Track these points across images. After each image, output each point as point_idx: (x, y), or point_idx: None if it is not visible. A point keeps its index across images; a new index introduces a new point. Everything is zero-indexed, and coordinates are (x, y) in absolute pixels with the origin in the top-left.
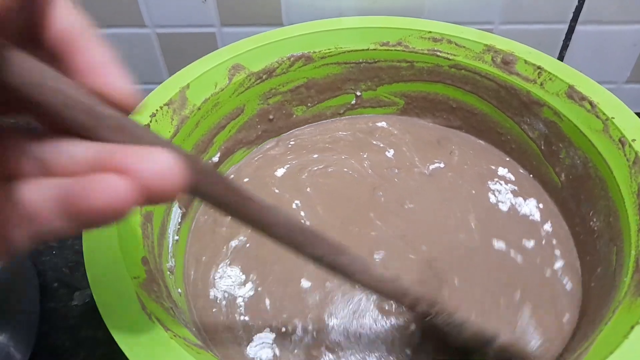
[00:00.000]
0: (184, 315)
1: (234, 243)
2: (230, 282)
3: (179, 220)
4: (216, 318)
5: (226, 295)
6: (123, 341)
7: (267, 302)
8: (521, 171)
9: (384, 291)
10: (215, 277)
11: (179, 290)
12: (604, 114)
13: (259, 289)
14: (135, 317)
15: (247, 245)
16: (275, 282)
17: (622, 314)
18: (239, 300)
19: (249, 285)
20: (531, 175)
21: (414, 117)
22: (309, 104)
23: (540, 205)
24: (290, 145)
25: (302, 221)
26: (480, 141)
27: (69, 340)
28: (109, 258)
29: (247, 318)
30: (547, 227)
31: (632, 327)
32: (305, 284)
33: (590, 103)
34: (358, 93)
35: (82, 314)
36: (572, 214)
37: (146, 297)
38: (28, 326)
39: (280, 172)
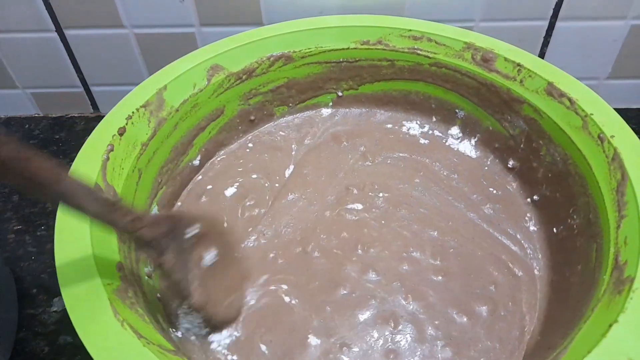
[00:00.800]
0: (162, 319)
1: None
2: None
3: None
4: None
5: (193, 338)
6: (94, 349)
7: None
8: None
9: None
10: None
11: (158, 295)
12: (583, 110)
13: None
14: (107, 324)
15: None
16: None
17: (601, 312)
18: (215, 346)
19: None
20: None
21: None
22: (290, 104)
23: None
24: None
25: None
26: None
27: (48, 346)
28: (82, 264)
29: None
30: (528, 224)
31: (610, 326)
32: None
33: (570, 100)
34: (339, 93)
35: (61, 320)
36: (552, 211)
37: (119, 304)
38: (6, 332)
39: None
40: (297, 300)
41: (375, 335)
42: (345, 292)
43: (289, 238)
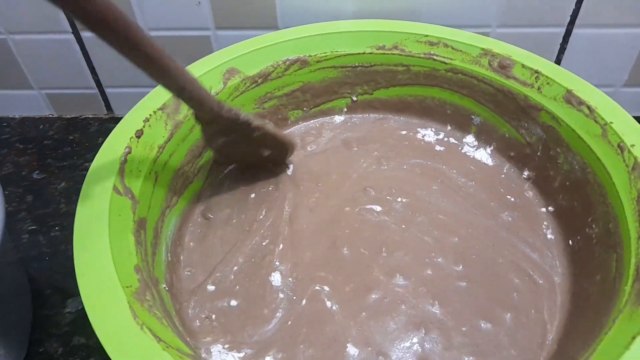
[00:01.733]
0: (179, 325)
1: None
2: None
3: (174, 229)
4: None
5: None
6: (114, 352)
7: None
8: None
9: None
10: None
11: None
12: (602, 118)
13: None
14: (126, 327)
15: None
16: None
17: (623, 324)
18: None
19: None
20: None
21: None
22: (304, 108)
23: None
24: None
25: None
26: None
27: (62, 347)
28: (101, 266)
29: None
30: (546, 231)
31: (634, 338)
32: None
33: (589, 107)
34: (354, 98)
35: (75, 321)
36: (570, 220)
37: (138, 307)
38: (20, 332)
39: None
40: (337, 306)
41: (408, 343)
42: (376, 296)
43: (314, 229)
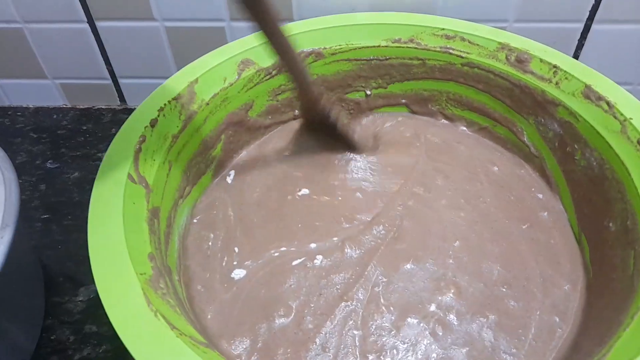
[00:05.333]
0: (190, 313)
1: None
2: None
3: (186, 220)
4: None
5: None
6: (128, 338)
7: None
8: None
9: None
10: None
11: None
12: (622, 114)
13: None
14: (140, 314)
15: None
16: None
17: None
18: None
19: None
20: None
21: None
22: None
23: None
24: None
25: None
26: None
27: (73, 334)
28: (115, 253)
29: None
30: (558, 228)
31: None
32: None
33: (608, 103)
34: (368, 91)
35: (86, 309)
36: (585, 217)
37: (152, 294)
38: (33, 320)
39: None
40: None
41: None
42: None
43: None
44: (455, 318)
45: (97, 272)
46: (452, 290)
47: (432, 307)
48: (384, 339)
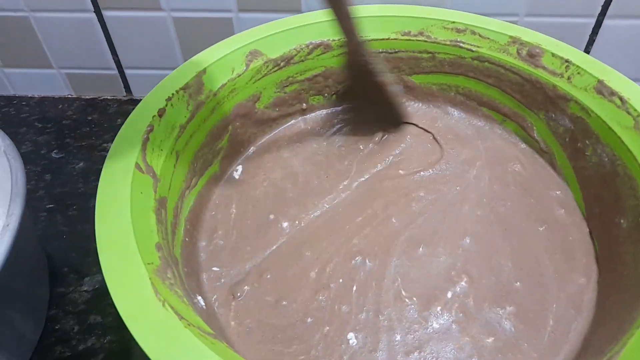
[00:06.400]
0: (198, 303)
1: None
2: None
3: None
4: None
5: None
6: (136, 329)
7: None
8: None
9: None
10: None
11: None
12: (635, 110)
13: None
14: (148, 304)
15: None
16: None
17: None
18: None
19: None
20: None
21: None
22: (325, 94)
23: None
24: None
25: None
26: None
27: (78, 325)
28: (123, 242)
29: None
30: (570, 224)
31: None
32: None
33: (621, 99)
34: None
35: (91, 300)
36: (595, 213)
37: (160, 284)
38: (37, 310)
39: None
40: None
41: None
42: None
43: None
44: (473, 307)
45: (105, 261)
46: (465, 279)
47: (449, 295)
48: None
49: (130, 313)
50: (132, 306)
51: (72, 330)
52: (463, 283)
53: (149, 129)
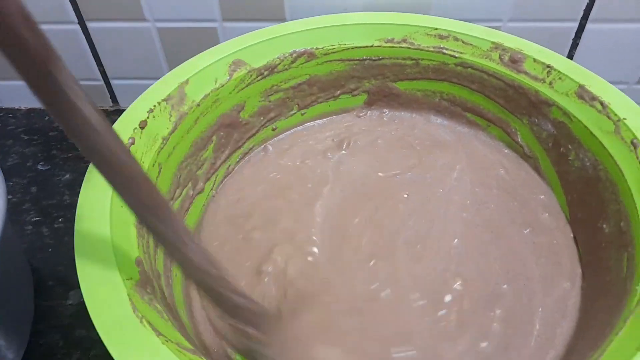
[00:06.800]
0: (183, 315)
1: None
2: None
3: None
4: None
5: None
6: (112, 345)
7: None
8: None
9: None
10: None
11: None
12: (615, 114)
13: None
14: (125, 319)
15: None
16: None
17: (635, 324)
18: None
19: None
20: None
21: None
22: (311, 102)
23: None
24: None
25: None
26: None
27: (63, 339)
28: (101, 257)
29: None
30: (554, 228)
31: None
32: None
33: (602, 103)
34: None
35: (77, 313)
36: (579, 218)
37: (138, 300)
38: (21, 324)
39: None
40: None
41: None
42: None
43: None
44: (469, 309)
45: (83, 277)
46: (459, 281)
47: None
48: None
49: (108, 330)
50: (109, 323)
51: (57, 345)
52: (457, 286)
53: (130, 141)
